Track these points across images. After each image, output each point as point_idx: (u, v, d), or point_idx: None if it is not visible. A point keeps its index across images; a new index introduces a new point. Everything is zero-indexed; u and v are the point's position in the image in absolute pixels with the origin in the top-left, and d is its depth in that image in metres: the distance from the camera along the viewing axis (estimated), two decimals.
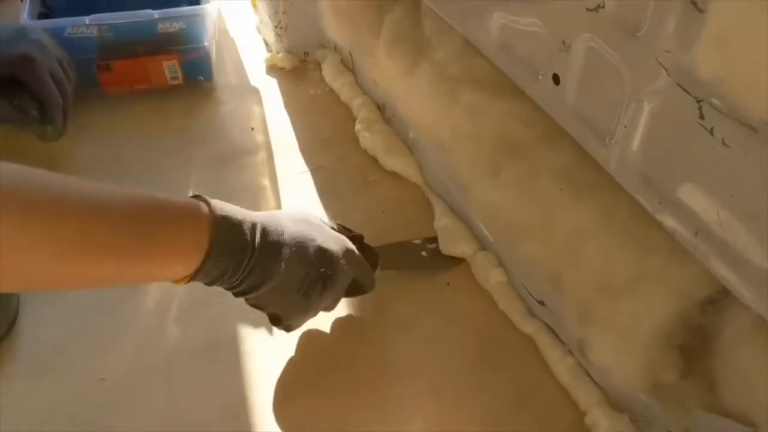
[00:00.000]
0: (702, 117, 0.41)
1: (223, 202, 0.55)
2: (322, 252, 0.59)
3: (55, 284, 0.53)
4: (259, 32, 1.09)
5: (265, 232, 0.55)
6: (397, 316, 0.69)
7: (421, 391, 0.63)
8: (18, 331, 0.68)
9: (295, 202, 0.81)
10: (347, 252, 0.62)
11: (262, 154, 0.88)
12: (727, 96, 0.39)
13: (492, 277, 0.69)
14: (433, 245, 0.74)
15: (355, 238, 0.66)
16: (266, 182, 0.84)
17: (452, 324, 0.68)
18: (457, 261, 0.73)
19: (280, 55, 1.01)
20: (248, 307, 0.68)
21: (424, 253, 0.74)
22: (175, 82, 0.95)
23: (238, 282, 0.56)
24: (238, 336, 0.67)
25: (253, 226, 0.55)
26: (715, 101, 0.40)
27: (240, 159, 0.87)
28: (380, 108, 0.89)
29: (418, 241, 0.75)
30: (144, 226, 0.49)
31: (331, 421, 0.60)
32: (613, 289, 0.51)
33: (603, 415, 0.58)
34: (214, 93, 0.98)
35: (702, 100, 0.41)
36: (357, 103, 0.90)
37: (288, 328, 0.62)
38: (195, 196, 0.55)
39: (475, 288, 0.71)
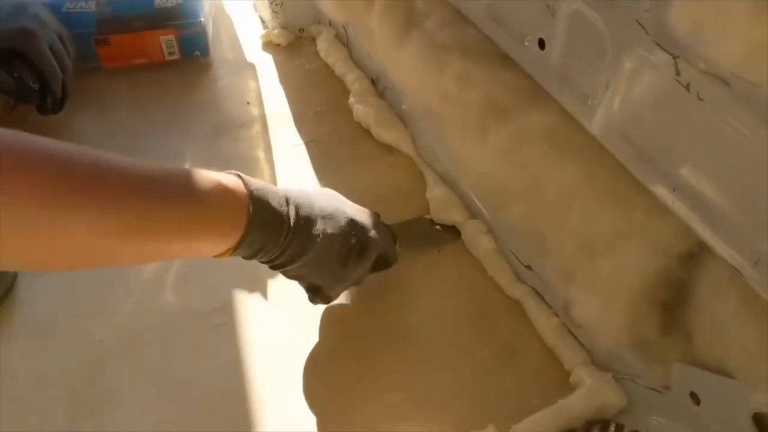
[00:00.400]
0: (678, 73, 0.42)
1: (254, 178, 0.55)
2: (354, 223, 0.60)
3: (100, 262, 0.51)
4: (255, 9, 1.10)
5: (298, 206, 0.56)
6: (386, 284, 0.70)
7: (411, 355, 0.64)
8: (17, 295, 0.69)
9: (289, 174, 0.82)
10: (376, 223, 0.63)
11: (257, 127, 0.89)
12: (700, 51, 0.40)
13: (481, 244, 0.71)
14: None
15: (374, 215, 0.66)
16: (261, 154, 0.85)
17: (442, 290, 0.70)
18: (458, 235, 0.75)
19: (276, 31, 1.03)
20: (245, 275, 0.70)
21: (438, 227, 0.75)
22: (173, 57, 0.96)
23: (276, 256, 0.56)
24: (233, 302, 0.69)
25: (287, 200, 0.56)
26: (690, 57, 0.41)
27: (235, 131, 0.88)
28: (374, 82, 0.90)
29: (428, 216, 0.76)
30: (186, 201, 0.49)
31: (322, 382, 0.62)
32: (596, 247, 0.53)
33: (587, 374, 0.60)
34: (210, 68, 0.99)
35: (678, 57, 0.42)
36: (351, 77, 0.91)
37: (327, 299, 0.63)
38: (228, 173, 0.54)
39: (465, 255, 0.73)
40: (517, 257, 0.68)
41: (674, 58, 0.43)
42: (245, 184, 0.53)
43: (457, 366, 0.63)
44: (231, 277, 0.71)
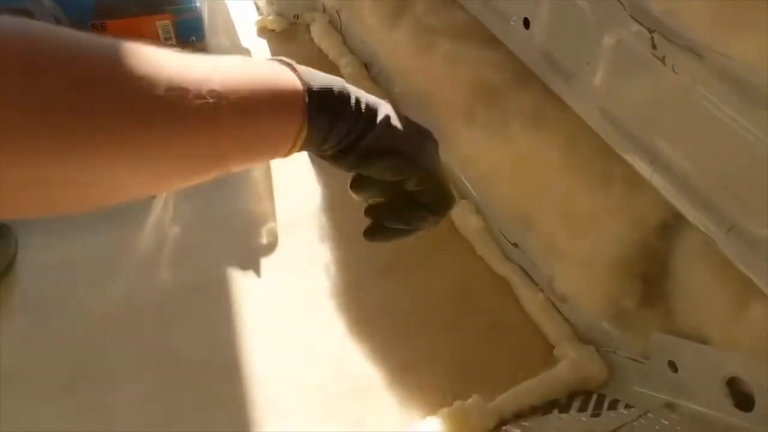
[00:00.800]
0: (654, 47, 0.44)
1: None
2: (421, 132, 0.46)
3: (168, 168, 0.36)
4: None
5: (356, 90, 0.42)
6: (376, 262, 0.72)
7: (401, 328, 0.66)
8: (17, 271, 0.71)
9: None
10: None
11: None
12: (674, 23, 0.42)
13: (470, 224, 0.72)
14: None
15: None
16: None
17: (430, 269, 0.71)
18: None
19: (271, 17, 1.04)
20: (239, 253, 0.72)
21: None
22: (169, 43, 0.97)
23: (346, 131, 0.43)
24: (227, 279, 0.70)
25: (344, 87, 0.42)
26: (665, 31, 0.43)
27: None
28: (367, 66, 0.92)
29: None
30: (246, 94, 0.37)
31: (311, 354, 0.64)
32: (577, 221, 0.55)
33: (571, 348, 0.62)
34: (206, 53, 1.00)
35: (654, 31, 0.44)
36: (344, 62, 0.92)
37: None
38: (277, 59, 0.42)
39: (454, 235, 0.74)
40: (505, 236, 0.70)
41: (650, 32, 0.44)
42: (298, 73, 0.39)
43: (445, 339, 0.65)
44: (225, 255, 0.72)
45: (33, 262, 0.71)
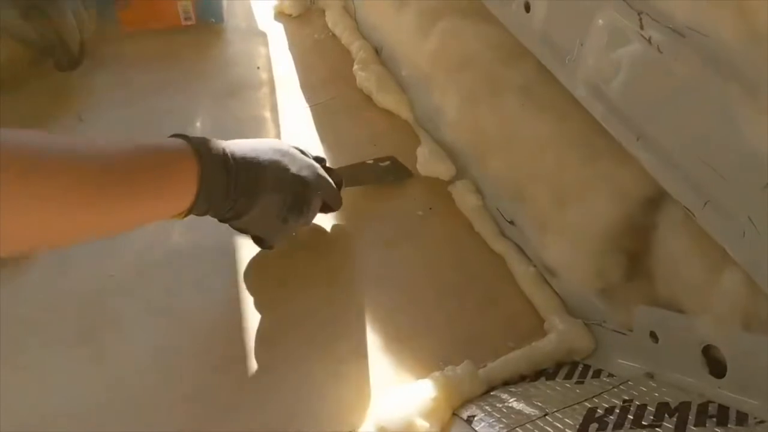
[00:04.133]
0: (642, 27, 0.47)
1: (203, 138, 0.60)
2: (297, 180, 0.65)
3: (62, 239, 0.55)
4: None
5: (244, 166, 0.61)
6: (379, 236, 0.75)
7: (395, 295, 0.69)
8: None
9: (294, 133, 0.87)
10: (318, 177, 0.68)
11: (265, 90, 0.94)
12: (659, 4, 0.44)
13: (469, 202, 0.75)
14: (386, 163, 0.81)
15: (318, 160, 0.72)
16: (268, 114, 0.90)
17: (430, 244, 0.74)
18: (408, 173, 0.81)
19: (288, 2, 1.07)
20: None
21: (384, 164, 0.81)
22: (188, 23, 1.01)
23: (223, 213, 0.63)
24: (237, 244, 0.74)
25: (234, 161, 0.60)
26: (651, 12, 0.45)
27: (245, 93, 0.93)
28: (377, 51, 0.95)
29: (370, 161, 0.82)
30: (143, 172, 0.54)
31: (313, 317, 0.67)
32: (566, 195, 0.57)
33: (560, 320, 0.64)
34: (223, 34, 1.04)
35: (642, 13, 0.47)
36: (356, 47, 0.95)
37: (270, 248, 0.70)
38: (176, 135, 0.60)
39: (454, 213, 0.77)
40: (502, 213, 0.73)
41: (639, 13, 0.47)
42: (194, 149, 0.58)
43: (438, 309, 0.68)
44: None
45: None
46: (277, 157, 0.65)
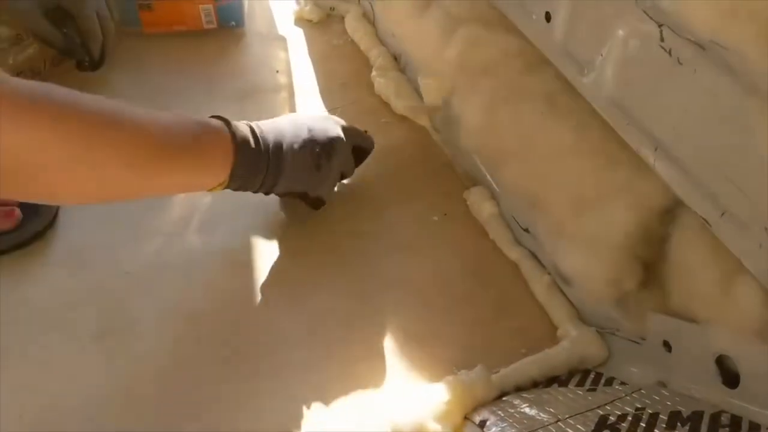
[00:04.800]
0: (662, 39, 0.47)
1: (236, 122, 0.66)
2: (313, 131, 0.71)
3: (114, 197, 0.63)
4: None
5: (268, 135, 0.67)
6: (393, 240, 0.76)
7: (410, 299, 0.69)
8: (57, 229, 0.76)
9: None
10: (335, 122, 0.74)
11: (283, 94, 0.95)
12: (680, 17, 0.45)
13: (484, 209, 0.76)
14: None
15: (352, 129, 0.76)
16: None
17: (445, 249, 0.75)
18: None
19: (308, 8, 1.08)
20: (261, 221, 0.76)
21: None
22: (210, 26, 1.03)
23: (260, 184, 0.68)
24: (252, 245, 0.75)
25: (261, 133, 0.67)
26: (672, 24, 0.46)
27: (264, 96, 0.94)
28: (396, 58, 0.96)
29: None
30: (186, 144, 0.61)
31: (326, 320, 0.68)
32: (583, 203, 0.58)
33: (573, 328, 0.65)
34: (244, 38, 1.05)
35: (663, 25, 0.47)
36: (375, 53, 0.96)
37: (319, 201, 0.75)
38: (215, 117, 0.66)
39: (469, 219, 0.78)
40: (517, 221, 0.73)
41: (659, 26, 0.47)
42: (229, 127, 0.64)
43: (452, 314, 0.68)
44: (250, 223, 0.77)
45: (72, 221, 0.76)
46: (294, 121, 0.71)
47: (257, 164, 0.66)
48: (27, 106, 0.49)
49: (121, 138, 0.55)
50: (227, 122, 0.65)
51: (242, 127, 0.66)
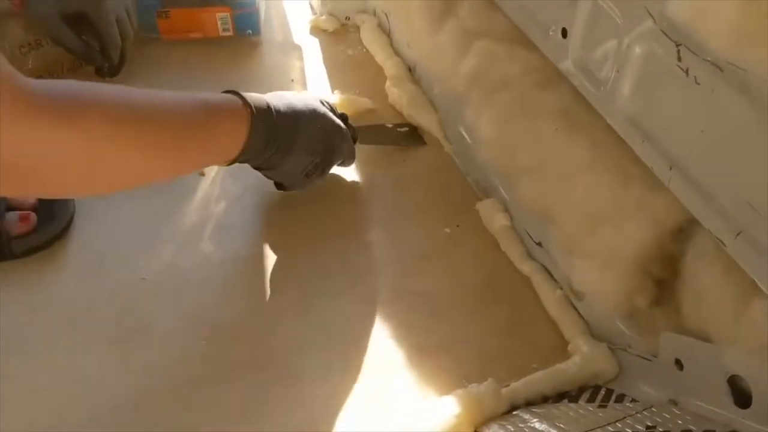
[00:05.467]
0: (680, 59, 0.48)
1: (251, 94, 0.68)
2: (327, 146, 0.74)
3: (139, 182, 0.65)
4: None
5: (286, 124, 0.69)
6: (406, 252, 0.76)
7: (420, 310, 0.70)
8: (72, 233, 0.76)
9: None
10: (344, 144, 0.76)
11: None
12: (698, 39, 0.45)
13: (497, 221, 0.76)
14: (404, 128, 0.88)
15: (342, 117, 0.78)
16: None
17: (457, 261, 0.75)
18: (422, 141, 0.87)
19: (324, 17, 1.09)
20: (275, 229, 0.77)
21: (401, 129, 0.88)
22: (226, 34, 1.03)
23: (260, 161, 0.71)
24: (264, 253, 0.75)
25: (278, 117, 0.68)
26: (690, 45, 0.46)
27: None
28: (410, 70, 0.96)
29: (390, 125, 0.88)
30: (205, 121, 0.63)
31: (338, 329, 0.68)
32: (597, 219, 0.58)
33: (584, 343, 0.65)
34: (260, 46, 1.06)
35: (680, 44, 0.47)
36: (389, 63, 0.97)
37: (287, 190, 0.77)
38: (230, 92, 0.68)
39: (481, 231, 0.78)
40: (529, 234, 0.73)
41: (677, 45, 0.48)
42: (246, 103, 0.66)
43: (463, 327, 0.68)
44: (264, 231, 0.77)
45: (88, 226, 0.77)
46: (312, 117, 0.72)
47: (264, 148, 0.68)
48: (50, 108, 0.50)
49: (144, 130, 0.57)
50: (244, 99, 0.67)
51: (260, 105, 0.68)
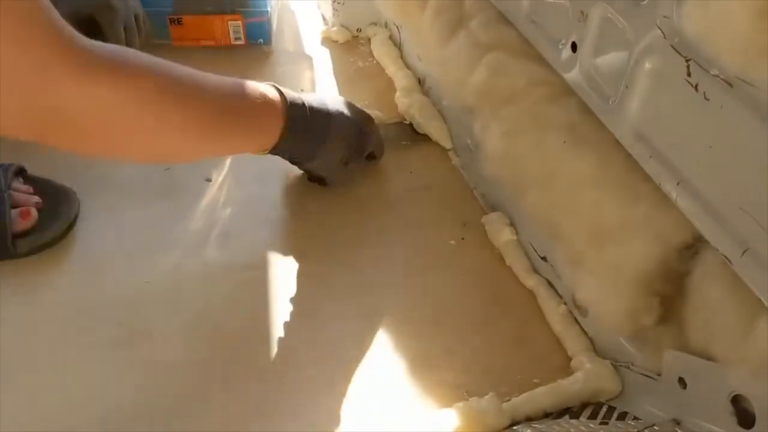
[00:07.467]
0: (689, 74, 0.47)
1: (287, 90, 0.71)
2: (358, 130, 0.77)
3: (178, 158, 0.70)
4: (319, 7, 1.17)
5: (319, 115, 0.73)
6: (411, 264, 0.76)
7: (423, 322, 0.70)
8: (76, 234, 0.76)
9: None
10: (373, 127, 0.81)
11: None
12: (708, 53, 0.45)
13: (502, 235, 0.76)
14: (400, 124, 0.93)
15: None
16: None
17: (461, 274, 0.75)
18: (418, 135, 0.91)
19: (335, 29, 1.09)
20: (281, 237, 0.77)
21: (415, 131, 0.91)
22: (238, 42, 1.04)
23: (296, 154, 0.74)
24: (268, 260, 0.75)
25: (311, 111, 0.72)
26: (700, 60, 0.46)
27: None
28: (420, 81, 0.96)
29: (388, 123, 0.92)
30: (248, 106, 0.67)
31: (340, 339, 0.68)
32: (603, 235, 0.58)
33: (587, 359, 0.64)
34: (271, 56, 1.06)
35: (690, 60, 0.47)
36: (400, 75, 0.97)
37: (327, 184, 0.80)
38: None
39: (486, 245, 0.77)
40: (534, 249, 0.73)
41: (687, 60, 0.47)
42: (284, 98, 0.70)
43: (465, 340, 0.68)
44: (268, 238, 0.77)
45: (91, 227, 0.77)
46: (341, 108, 0.76)
47: (302, 139, 0.71)
48: (109, 66, 0.52)
49: (192, 105, 0.60)
50: (281, 92, 0.70)
51: (296, 100, 0.71)
